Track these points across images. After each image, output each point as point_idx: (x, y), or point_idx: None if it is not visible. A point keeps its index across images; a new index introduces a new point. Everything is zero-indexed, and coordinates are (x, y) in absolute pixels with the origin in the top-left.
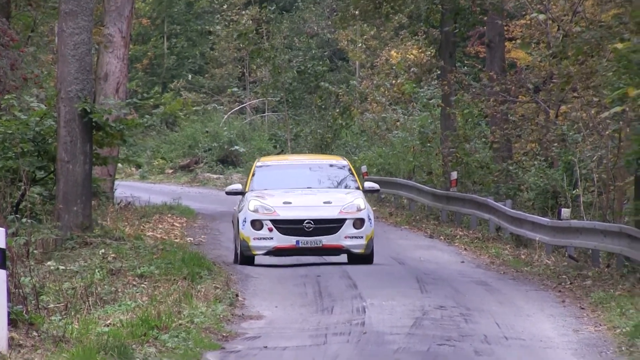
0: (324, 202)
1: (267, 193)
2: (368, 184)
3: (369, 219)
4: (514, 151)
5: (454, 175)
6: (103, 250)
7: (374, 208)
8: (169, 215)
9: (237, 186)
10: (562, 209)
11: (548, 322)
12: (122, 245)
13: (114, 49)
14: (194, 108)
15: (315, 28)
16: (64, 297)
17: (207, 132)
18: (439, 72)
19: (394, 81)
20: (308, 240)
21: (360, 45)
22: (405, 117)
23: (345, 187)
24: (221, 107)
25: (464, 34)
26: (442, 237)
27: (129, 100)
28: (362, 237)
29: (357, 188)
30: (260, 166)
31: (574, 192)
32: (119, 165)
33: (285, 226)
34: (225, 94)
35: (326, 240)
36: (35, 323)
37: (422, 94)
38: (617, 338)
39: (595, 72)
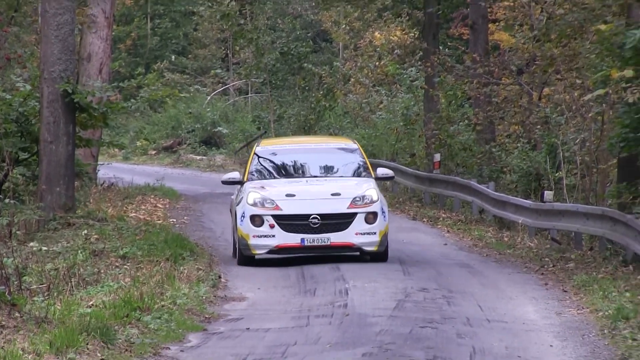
0: (332, 194)
1: (268, 183)
2: (381, 171)
3: (383, 212)
4: (497, 133)
5: (437, 157)
6: (86, 232)
7: None
8: (152, 196)
9: (234, 174)
10: (545, 192)
11: (530, 305)
12: (105, 227)
13: (97, 29)
14: (182, 95)
15: (299, 9)
16: (46, 278)
17: (190, 113)
18: (422, 54)
19: (377, 63)
20: (314, 238)
21: (343, 26)
22: (389, 98)
23: (356, 174)
24: (204, 88)
25: (447, 15)
26: (425, 220)
27: (115, 84)
28: (375, 233)
29: (369, 175)
30: (260, 151)
31: (556, 174)
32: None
33: (289, 222)
34: (209, 75)
35: (335, 237)
36: (17, 304)
37: (405, 76)
38: (600, 321)
39: (578, 55)
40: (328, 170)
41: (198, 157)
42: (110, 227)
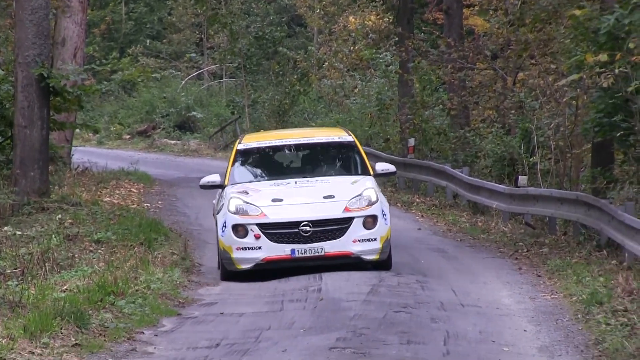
0: (325, 197)
1: (251, 187)
2: (381, 165)
3: (384, 215)
4: (471, 118)
5: (412, 142)
6: (60, 216)
7: None
8: (126, 181)
9: (214, 178)
10: (519, 176)
11: (504, 290)
12: (79, 211)
13: (71, 13)
14: (153, 75)
15: None
16: (20, 263)
17: (164, 97)
18: (397, 38)
19: (352, 47)
20: (306, 248)
21: (318, 11)
22: (363, 83)
23: (352, 172)
24: (179, 72)
25: (421, 0)
26: (399, 204)
27: (87, 66)
28: (375, 239)
29: (366, 172)
30: (243, 149)
31: (531, 159)
32: (77, 130)
33: (277, 231)
34: (183, 60)
35: (329, 246)
36: None
37: (380, 61)
38: (574, 305)
39: (552, 39)
40: (320, 168)
41: (172, 142)
42: (85, 212)
